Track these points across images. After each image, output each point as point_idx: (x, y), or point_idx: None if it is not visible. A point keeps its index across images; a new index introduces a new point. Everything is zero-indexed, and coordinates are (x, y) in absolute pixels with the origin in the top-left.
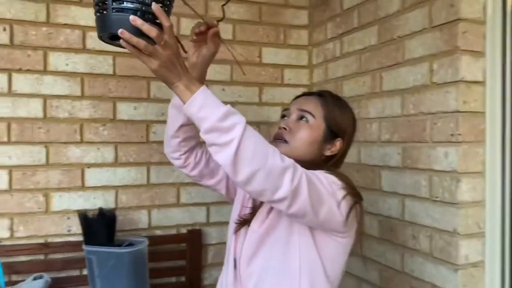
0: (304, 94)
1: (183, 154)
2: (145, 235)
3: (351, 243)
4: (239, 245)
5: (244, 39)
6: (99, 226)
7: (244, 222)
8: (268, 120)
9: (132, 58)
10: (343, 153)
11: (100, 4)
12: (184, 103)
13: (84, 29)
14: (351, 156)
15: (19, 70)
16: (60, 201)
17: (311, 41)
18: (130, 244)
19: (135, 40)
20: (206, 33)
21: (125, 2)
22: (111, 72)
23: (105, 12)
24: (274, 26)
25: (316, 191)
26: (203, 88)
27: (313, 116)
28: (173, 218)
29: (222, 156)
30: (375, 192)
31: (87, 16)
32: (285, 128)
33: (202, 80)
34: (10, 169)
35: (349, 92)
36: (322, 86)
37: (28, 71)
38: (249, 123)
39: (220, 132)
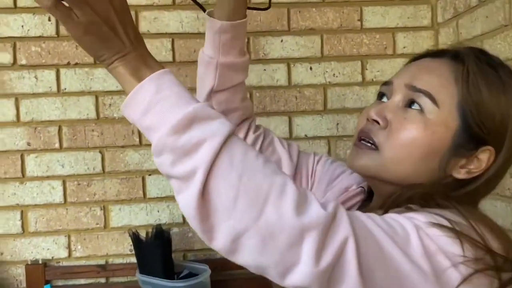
0: (425, 55)
1: None
2: (219, 257)
3: None
4: None
5: None
6: (154, 250)
7: None
8: None
9: (193, 38)
10: (495, 175)
11: None
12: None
13: (136, 8)
14: None
15: (67, 65)
16: (119, 216)
17: None
18: (190, 274)
19: None
20: None
21: None
22: (170, 58)
23: None
24: None
25: (389, 269)
26: (160, 72)
27: (435, 101)
28: None
29: (182, 200)
30: None
31: None
32: (377, 122)
33: (237, 13)
34: (64, 179)
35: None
36: None
37: (77, 64)
38: (347, 111)
39: (175, 154)
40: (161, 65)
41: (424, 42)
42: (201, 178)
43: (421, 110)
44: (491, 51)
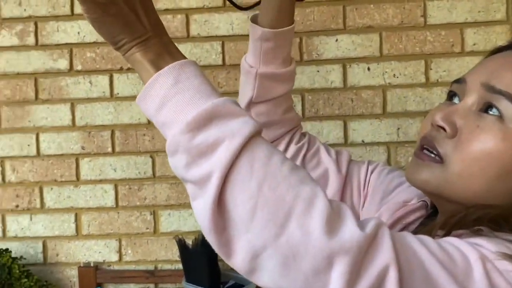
0: (509, 47)
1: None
2: None
3: None
4: None
5: None
6: (200, 258)
7: None
8: None
9: (244, 41)
10: None
11: None
12: None
13: (187, 12)
14: None
15: (120, 70)
16: (169, 221)
17: None
18: (236, 285)
19: None
20: None
21: None
22: (219, 62)
23: None
24: None
25: None
26: (181, 62)
27: None
28: None
29: (197, 207)
30: None
31: None
32: (443, 129)
33: (282, 19)
34: (116, 183)
35: None
36: None
37: (129, 70)
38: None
39: (190, 154)
40: (184, 55)
41: (498, 38)
42: (217, 184)
43: (500, 117)
44: None
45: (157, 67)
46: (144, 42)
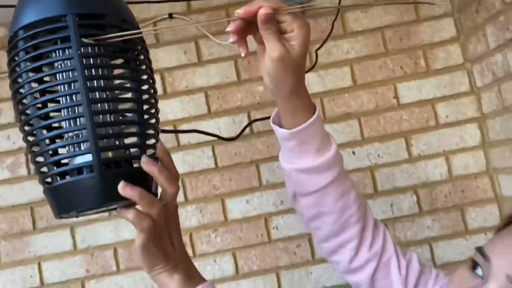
0: None
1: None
2: None
3: None
4: None
5: (369, 80)
6: None
7: None
8: (427, 180)
9: (232, 142)
10: None
11: None
12: None
13: (174, 123)
14: None
15: None
16: None
17: (466, 56)
18: None
19: None
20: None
21: None
22: (212, 165)
23: None
24: (408, 51)
25: None
26: (204, 286)
27: None
28: None
29: None
30: None
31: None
32: None
33: (296, 117)
34: None
35: None
36: (501, 118)
37: None
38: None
39: None
40: (204, 278)
41: (467, 109)
42: None
43: None
44: None
45: None
46: (173, 266)
